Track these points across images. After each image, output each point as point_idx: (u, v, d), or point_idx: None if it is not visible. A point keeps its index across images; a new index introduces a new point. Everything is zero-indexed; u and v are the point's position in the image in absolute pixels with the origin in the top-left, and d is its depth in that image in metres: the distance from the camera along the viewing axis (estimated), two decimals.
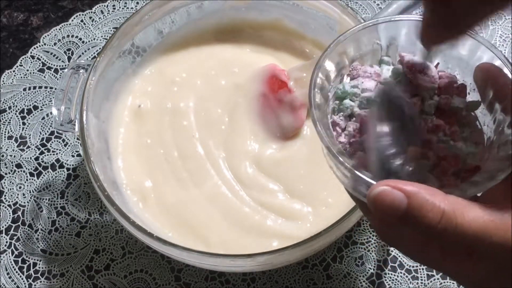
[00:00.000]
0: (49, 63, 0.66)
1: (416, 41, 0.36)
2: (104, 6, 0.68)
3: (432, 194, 0.30)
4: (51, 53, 0.66)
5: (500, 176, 0.32)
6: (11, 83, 0.65)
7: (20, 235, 0.58)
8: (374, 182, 0.31)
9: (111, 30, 0.67)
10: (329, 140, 0.34)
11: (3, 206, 0.59)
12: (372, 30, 0.38)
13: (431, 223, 0.29)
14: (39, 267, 0.57)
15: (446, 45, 0.35)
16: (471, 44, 0.36)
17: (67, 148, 0.62)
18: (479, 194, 0.33)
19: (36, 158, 0.61)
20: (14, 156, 0.61)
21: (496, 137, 0.35)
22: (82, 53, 0.66)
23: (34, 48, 0.67)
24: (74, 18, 0.68)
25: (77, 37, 0.67)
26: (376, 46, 0.38)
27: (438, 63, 0.38)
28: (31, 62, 0.66)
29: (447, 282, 0.54)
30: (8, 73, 0.65)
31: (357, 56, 0.38)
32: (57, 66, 0.66)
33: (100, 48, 0.66)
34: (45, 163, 0.61)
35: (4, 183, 0.60)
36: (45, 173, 0.61)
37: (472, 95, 0.37)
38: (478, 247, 0.30)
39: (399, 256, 0.56)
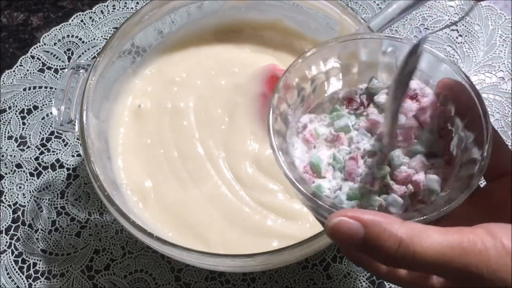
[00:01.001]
0: (49, 63, 0.66)
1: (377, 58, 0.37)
2: (104, 6, 0.68)
3: (389, 223, 0.29)
4: (51, 53, 0.66)
5: (462, 198, 0.31)
6: (11, 83, 0.65)
7: (20, 235, 0.58)
8: (333, 210, 0.31)
9: (111, 30, 0.67)
10: (288, 167, 0.34)
11: (3, 206, 0.59)
12: (332, 49, 0.37)
13: (389, 252, 0.29)
14: (39, 267, 0.57)
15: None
16: (432, 60, 0.36)
17: (67, 148, 0.62)
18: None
19: (36, 158, 0.61)
20: (14, 156, 0.61)
21: (459, 155, 0.35)
22: (82, 53, 0.66)
23: (34, 48, 0.67)
24: (74, 18, 0.68)
25: (77, 37, 0.67)
26: (336, 65, 0.38)
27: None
28: (31, 62, 0.66)
29: None
30: (8, 73, 0.65)
31: (318, 75, 0.38)
32: (57, 66, 0.66)
33: (100, 48, 0.66)
34: (45, 163, 0.61)
35: (4, 183, 0.60)
36: (45, 173, 0.61)
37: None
38: (440, 273, 0.30)
39: None
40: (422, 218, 0.31)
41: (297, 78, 0.37)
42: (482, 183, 0.34)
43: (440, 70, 0.36)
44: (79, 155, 0.61)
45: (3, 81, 0.65)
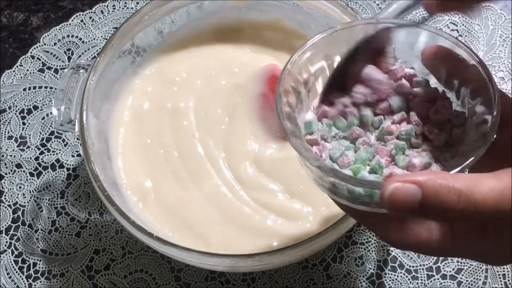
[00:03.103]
0: (49, 63, 0.66)
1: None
2: (104, 6, 0.68)
3: (443, 177, 0.29)
4: (51, 53, 0.66)
5: (484, 147, 0.32)
6: (11, 83, 0.65)
7: (20, 235, 0.58)
8: (381, 181, 0.31)
9: (111, 30, 0.67)
10: (321, 164, 0.34)
11: (3, 206, 0.59)
12: (316, 48, 0.37)
13: (450, 206, 0.29)
14: (39, 267, 0.57)
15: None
16: (411, 31, 0.37)
17: (67, 148, 0.62)
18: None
19: (36, 158, 0.61)
20: (14, 156, 0.61)
21: (469, 111, 0.35)
22: (82, 53, 0.66)
23: (34, 48, 0.67)
24: (74, 18, 0.68)
25: (77, 37, 0.67)
26: (322, 64, 0.38)
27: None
28: (31, 62, 0.66)
29: (447, 282, 0.55)
30: (8, 73, 0.65)
31: (309, 77, 0.38)
32: (57, 66, 0.66)
33: (100, 48, 0.66)
34: (45, 163, 0.61)
35: (4, 183, 0.60)
36: (45, 173, 0.61)
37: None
38: (502, 217, 0.29)
39: (399, 256, 0.56)
40: (465, 164, 0.31)
41: (292, 83, 0.37)
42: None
43: (420, 38, 0.37)
44: (79, 155, 0.61)
45: (3, 81, 0.65)
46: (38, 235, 0.58)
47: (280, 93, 0.35)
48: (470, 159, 0.31)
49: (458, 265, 0.55)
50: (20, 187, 0.60)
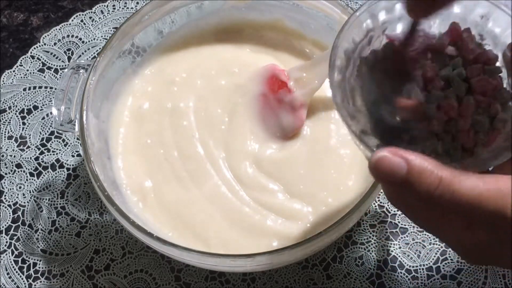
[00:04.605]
0: (49, 63, 0.66)
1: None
2: (104, 6, 0.68)
3: (431, 162, 0.31)
4: (51, 53, 0.66)
5: (507, 155, 0.32)
6: (11, 83, 0.65)
7: (20, 235, 0.58)
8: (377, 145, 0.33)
9: (111, 30, 0.67)
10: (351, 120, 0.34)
11: (3, 206, 0.59)
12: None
13: (429, 188, 0.30)
14: (39, 267, 0.57)
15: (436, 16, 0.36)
16: (507, 22, 0.36)
17: (67, 148, 0.62)
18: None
19: (36, 158, 0.61)
20: (14, 156, 0.61)
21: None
22: (82, 53, 0.66)
23: (34, 48, 0.67)
24: (74, 18, 0.68)
25: (77, 37, 0.67)
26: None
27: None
28: (31, 62, 0.66)
29: (447, 282, 0.55)
30: (8, 73, 0.65)
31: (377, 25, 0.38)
32: (57, 66, 0.66)
33: (100, 48, 0.66)
34: (45, 163, 0.61)
35: (4, 183, 0.60)
36: (45, 173, 0.61)
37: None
38: (475, 215, 0.31)
39: (399, 256, 0.56)
40: (472, 168, 0.32)
41: (346, 45, 0.38)
42: None
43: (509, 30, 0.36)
44: (79, 155, 0.61)
45: (3, 81, 0.65)
46: (38, 235, 0.58)
47: (351, 23, 0.36)
48: (474, 168, 0.32)
49: (458, 265, 0.55)
50: (20, 187, 0.60)
